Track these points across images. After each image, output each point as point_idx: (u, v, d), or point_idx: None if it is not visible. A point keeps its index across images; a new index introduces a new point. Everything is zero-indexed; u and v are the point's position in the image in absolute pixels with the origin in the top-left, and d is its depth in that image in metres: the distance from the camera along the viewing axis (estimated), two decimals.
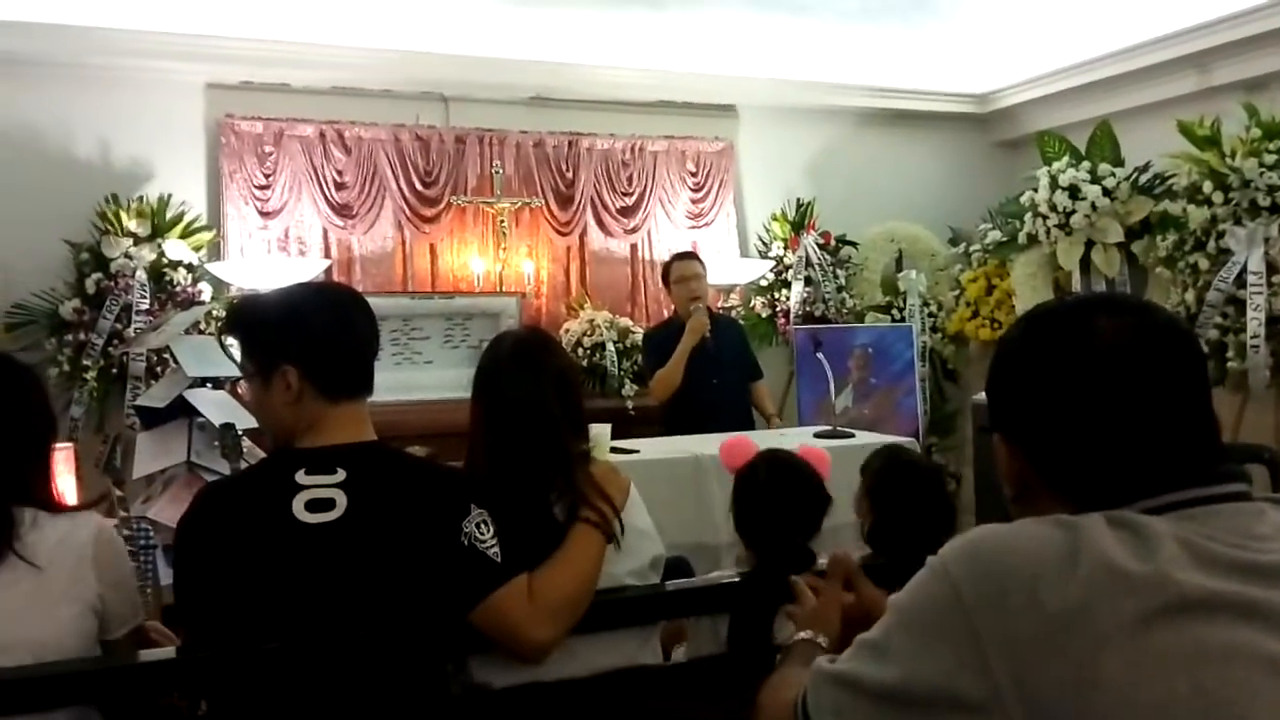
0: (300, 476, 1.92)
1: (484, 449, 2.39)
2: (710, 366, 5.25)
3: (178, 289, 5.72)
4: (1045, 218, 6.14)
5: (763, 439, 3.32)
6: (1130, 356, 1.22)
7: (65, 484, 3.81)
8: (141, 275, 5.60)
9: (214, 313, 5.59)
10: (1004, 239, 6.61)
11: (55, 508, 2.11)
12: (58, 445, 3.86)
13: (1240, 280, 5.17)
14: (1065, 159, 6.18)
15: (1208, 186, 5.31)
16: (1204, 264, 5.35)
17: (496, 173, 6.63)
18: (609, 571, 2.33)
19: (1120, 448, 1.21)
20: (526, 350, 2.49)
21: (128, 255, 5.61)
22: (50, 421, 2.20)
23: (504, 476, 2.32)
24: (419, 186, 6.49)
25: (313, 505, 1.89)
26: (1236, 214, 5.22)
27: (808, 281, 7.12)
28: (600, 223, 6.95)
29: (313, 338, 2.01)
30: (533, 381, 2.41)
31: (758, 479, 2.71)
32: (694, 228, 7.18)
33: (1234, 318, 5.23)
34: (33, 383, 2.19)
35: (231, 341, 2.10)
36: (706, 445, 4.33)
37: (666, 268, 5.64)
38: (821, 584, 1.86)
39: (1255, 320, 5.10)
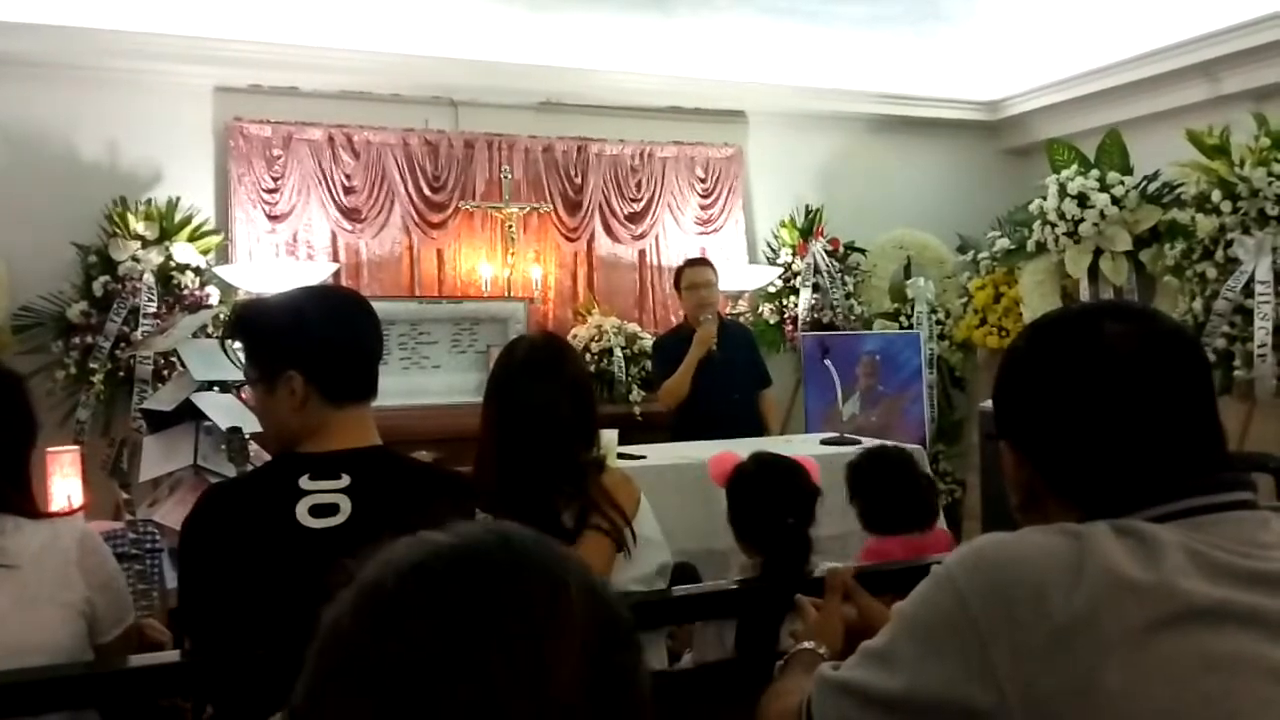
0: (304, 482, 1.91)
1: (494, 454, 2.40)
2: (719, 375, 5.25)
3: (185, 292, 5.72)
4: (1054, 225, 6.13)
5: (768, 446, 3.32)
6: (1136, 363, 1.22)
7: (71, 487, 3.81)
8: (149, 278, 5.60)
9: (221, 316, 5.59)
10: (1012, 247, 6.61)
11: (35, 514, 2.10)
12: (63, 449, 3.89)
13: (1248, 289, 5.16)
14: (1074, 167, 6.17)
15: (1216, 195, 5.30)
16: (1212, 273, 5.34)
17: (505, 177, 6.64)
18: (615, 578, 2.34)
19: (1127, 454, 1.21)
20: (542, 357, 2.50)
21: (135, 258, 5.62)
22: (30, 426, 2.17)
23: (513, 482, 2.33)
24: (427, 191, 6.50)
25: (317, 510, 1.89)
26: (1245, 223, 5.21)
27: (816, 288, 7.11)
28: (608, 228, 6.95)
29: (317, 343, 1.98)
30: (547, 388, 2.41)
31: (748, 473, 2.76)
32: (702, 234, 7.18)
33: (1241, 327, 5.22)
34: (9, 386, 2.16)
35: (236, 345, 2.07)
36: (714, 452, 4.33)
37: (679, 273, 5.64)
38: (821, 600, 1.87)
39: (1263, 329, 5.09)
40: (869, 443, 4.83)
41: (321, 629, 0.71)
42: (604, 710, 0.68)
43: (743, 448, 3.11)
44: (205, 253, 5.89)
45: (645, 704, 0.72)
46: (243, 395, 4.27)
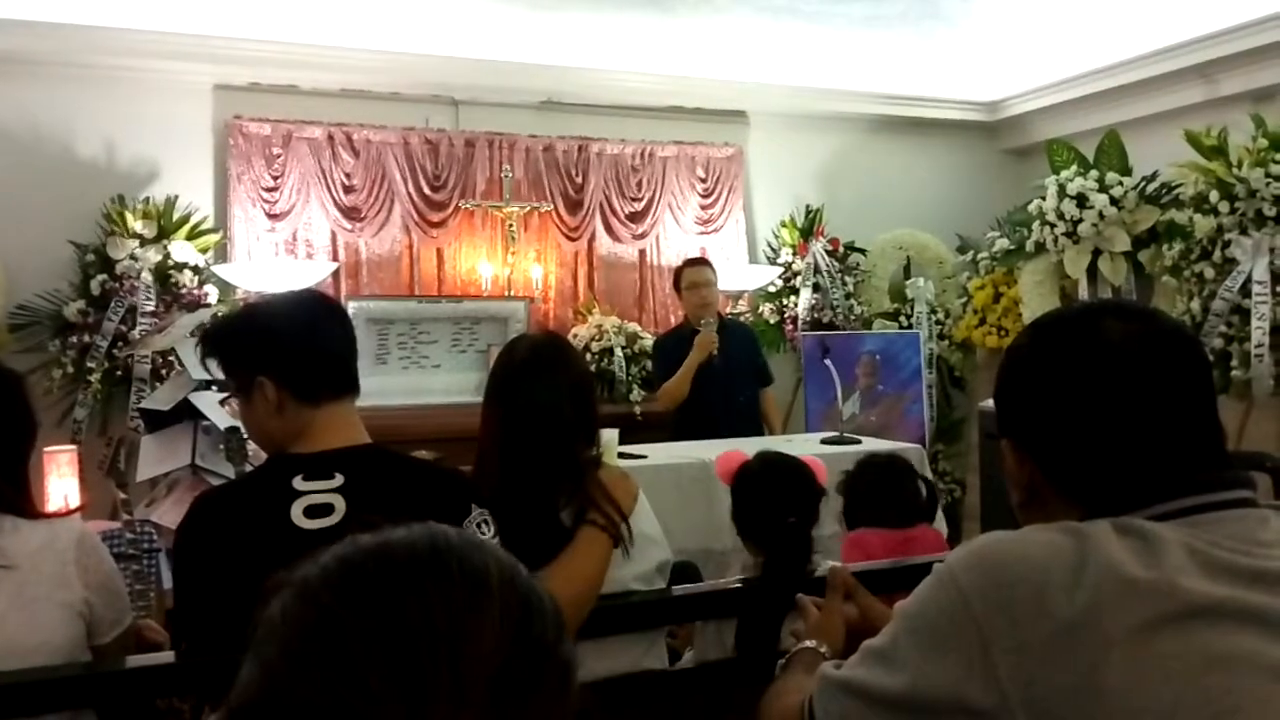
0: (298, 482, 1.91)
1: (496, 453, 2.39)
2: (720, 376, 5.26)
3: (183, 291, 5.71)
4: (1053, 226, 6.12)
5: (769, 446, 3.33)
6: (1137, 360, 1.23)
7: (68, 486, 3.81)
8: (147, 277, 5.59)
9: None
10: (1012, 247, 6.60)
11: (33, 514, 2.11)
12: (60, 449, 3.88)
13: (1245, 289, 5.16)
14: (1073, 168, 6.16)
15: (1214, 196, 5.30)
16: (1209, 273, 5.34)
17: (506, 176, 6.63)
18: (615, 576, 2.34)
19: (1128, 451, 1.22)
20: (543, 356, 2.50)
21: (133, 257, 5.61)
22: (30, 425, 2.18)
23: (514, 481, 2.32)
24: (427, 190, 6.49)
25: (311, 511, 1.88)
26: (1242, 224, 5.21)
27: (816, 288, 7.11)
28: (609, 228, 6.95)
29: (280, 345, 2.01)
30: (549, 387, 2.41)
31: (752, 471, 2.75)
32: (703, 233, 7.18)
33: (1238, 327, 5.22)
34: (9, 385, 2.17)
35: (215, 364, 2.09)
36: (715, 451, 4.31)
37: (678, 273, 5.65)
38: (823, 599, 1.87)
39: (1259, 329, 5.09)
40: (869, 442, 4.86)
41: (259, 628, 0.76)
42: (522, 678, 0.72)
43: (746, 447, 3.11)
44: (204, 251, 5.87)
45: (565, 675, 0.77)
46: (227, 406, 4.27)
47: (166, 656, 2.12)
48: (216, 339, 2.09)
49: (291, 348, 2.01)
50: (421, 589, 0.72)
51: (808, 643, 1.71)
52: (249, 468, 3.66)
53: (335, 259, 6.35)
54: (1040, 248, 6.28)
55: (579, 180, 6.85)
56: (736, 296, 7.04)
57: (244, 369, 2.01)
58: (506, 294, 6.59)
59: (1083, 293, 6.09)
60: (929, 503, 3.32)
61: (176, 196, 5.89)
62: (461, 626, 0.71)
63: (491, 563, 0.77)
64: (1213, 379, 1.30)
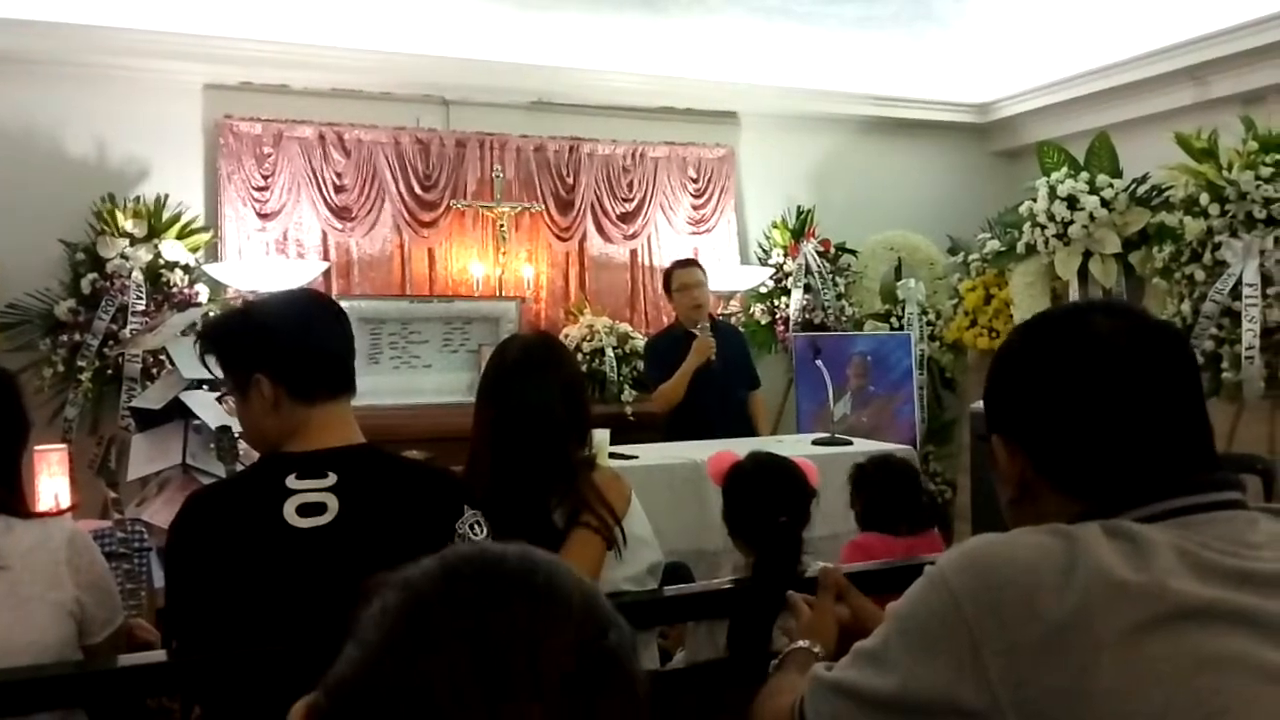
0: (291, 481, 1.90)
1: (488, 453, 2.39)
2: (718, 378, 5.25)
3: (174, 290, 5.70)
4: (1044, 228, 6.14)
5: (760, 446, 3.33)
6: (1125, 350, 1.25)
7: (59, 485, 3.80)
8: (138, 276, 5.58)
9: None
10: (1002, 248, 6.61)
11: (25, 513, 2.10)
12: (51, 447, 3.87)
13: (1236, 292, 5.18)
14: (1064, 169, 6.18)
15: (1204, 198, 5.31)
16: (1200, 275, 5.36)
17: (497, 177, 6.63)
18: (607, 578, 2.34)
19: (1119, 436, 1.23)
20: (535, 356, 2.50)
21: (124, 256, 5.59)
22: (20, 426, 2.18)
23: (506, 481, 2.32)
24: (418, 190, 6.48)
25: (304, 510, 1.87)
26: (1233, 226, 5.22)
27: (807, 289, 7.12)
28: (600, 228, 6.95)
29: (276, 342, 2.00)
30: (541, 387, 2.41)
31: (744, 471, 2.74)
32: (694, 234, 7.19)
33: (1229, 329, 5.24)
34: (1, 385, 2.17)
35: (213, 360, 2.09)
36: (706, 451, 4.31)
37: (668, 275, 5.62)
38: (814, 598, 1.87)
39: (1250, 331, 5.10)
40: (860, 443, 4.86)
41: (362, 619, 0.87)
42: (593, 686, 0.78)
43: (739, 447, 3.11)
44: (194, 250, 5.87)
45: (634, 683, 0.82)
46: (225, 404, 4.27)
47: (157, 655, 2.12)
48: (214, 335, 2.09)
49: (288, 345, 2.00)
50: (508, 594, 0.80)
51: (800, 643, 1.71)
52: (239, 467, 3.66)
53: (326, 258, 6.34)
54: (1031, 249, 6.29)
55: (570, 180, 6.85)
56: (728, 297, 7.04)
57: (241, 366, 2.00)
58: (498, 294, 6.58)
59: (1073, 294, 6.10)
60: (935, 510, 3.36)
61: (167, 196, 5.88)
62: (541, 631, 0.78)
63: (574, 585, 0.84)
64: (1199, 374, 1.32)
